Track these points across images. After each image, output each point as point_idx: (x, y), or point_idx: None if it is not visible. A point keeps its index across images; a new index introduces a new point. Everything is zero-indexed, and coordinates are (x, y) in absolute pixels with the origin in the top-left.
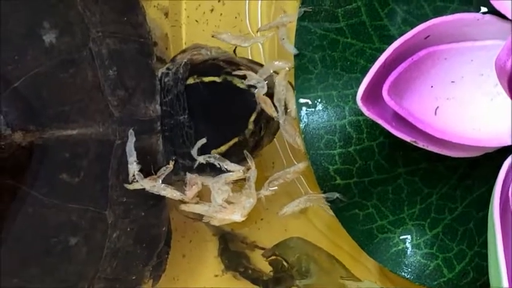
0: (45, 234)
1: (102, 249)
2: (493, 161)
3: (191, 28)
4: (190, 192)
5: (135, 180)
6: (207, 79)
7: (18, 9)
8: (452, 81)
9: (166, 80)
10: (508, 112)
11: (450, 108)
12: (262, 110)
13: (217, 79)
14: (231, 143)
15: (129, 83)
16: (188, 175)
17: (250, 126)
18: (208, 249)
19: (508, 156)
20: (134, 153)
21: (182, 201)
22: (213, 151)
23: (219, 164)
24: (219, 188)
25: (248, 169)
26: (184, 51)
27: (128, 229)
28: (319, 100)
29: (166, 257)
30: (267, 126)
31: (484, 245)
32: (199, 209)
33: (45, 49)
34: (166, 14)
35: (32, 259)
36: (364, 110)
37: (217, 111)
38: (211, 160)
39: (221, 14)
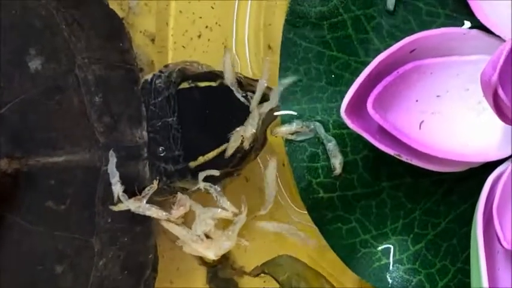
0: (31, 262)
1: (88, 277)
2: (477, 176)
3: (178, 54)
4: (177, 212)
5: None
6: (202, 84)
7: (3, 36)
8: (437, 96)
9: (157, 82)
10: (493, 127)
11: (435, 123)
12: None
13: (213, 83)
14: (220, 149)
15: (115, 109)
16: (179, 195)
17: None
18: (196, 276)
19: (493, 171)
20: (117, 174)
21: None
22: (200, 157)
23: (216, 196)
24: (204, 219)
25: (236, 214)
26: (176, 64)
27: (115, 256)
28: (303, 112)
29: (153, 283)
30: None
31: (467, 261)
32: (178, 231)
33: (31, 76)
34: (152, 40)
35: (18, 287)
36: (348, 122)
37: (208, 115)
38: (211, 191)
39: (208, 40)
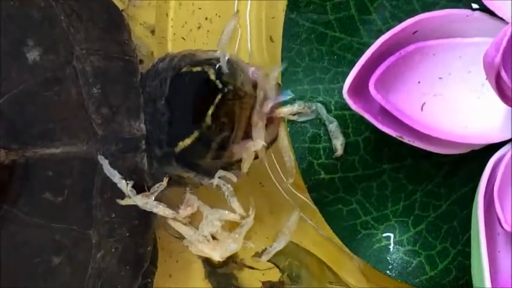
0: (28, 254)
1: (86, 269)
2: (478, 159)
3: (177, 46)
4: (184, 212)
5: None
6: (195, 69)
7: (2, 27)
8: (439, 78)
9: (160, 64)
10: (495, 110)
11: (437, 105)
12: (222, 105)
13: (198, 69)
14: (193, 136)
15: (114, 101)
16: (187, 195)
17: (208, 119)
18: (195, 269)
19: (494, 154)
20: (115, 173)
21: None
22: (180, 143)
23: (227, 195)
24: (211, 220)
25: (244, 217)
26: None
27: (113, 249)
28: (305, 93)
29: (152, 277)
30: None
31: (468, 243)
32: (184, 230)
33: (29, 67)
34: (152, 32)
35: (15, 279)
36: (350, 103)
37: (186, 101)
38: (224, 189)
39: (208, 31)
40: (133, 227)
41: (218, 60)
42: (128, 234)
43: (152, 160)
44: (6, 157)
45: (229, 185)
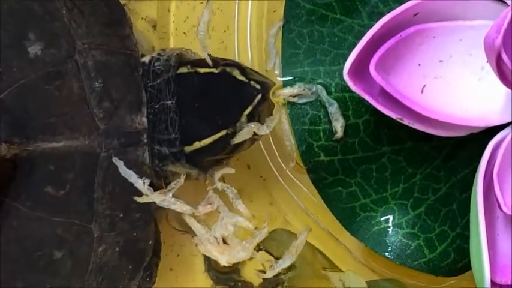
0: (30, 248)
1: (87, 263)
2: (478, 142)
3: (179, 41)
4: (203, 209)
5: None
6: (202, 70)
7: (3, 21)
8: (440, 60)
9: (156, 64)
10: (495, 93)
11: (437, 87)
12: (259, 105)
13: (214, 70)
14: (218, 136)
15: (115, 95)
16: (210, 192)
17: (243, 119)
18: (196, 263)
19: (494, 137)
20: (132, 173)
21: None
22: (196, 143)
23: (232, 198)
24: (226, 223)
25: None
26: (172, 49)
27: (114, 243)
28: (305, 75)
29: (156, 269)
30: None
31: (467, 226)
32: (197, 228)
33: (30, 61)
34: (154, 27)
35: (17, 273)
36: (350, 84)
37: (208, 100)
38: (228, 192)
39: (209, 26)
40: (135, 221)
41: (233, 61)
42: (129, 228)
43: (154, 156)
44: (8, 151)
45: (233, 188)
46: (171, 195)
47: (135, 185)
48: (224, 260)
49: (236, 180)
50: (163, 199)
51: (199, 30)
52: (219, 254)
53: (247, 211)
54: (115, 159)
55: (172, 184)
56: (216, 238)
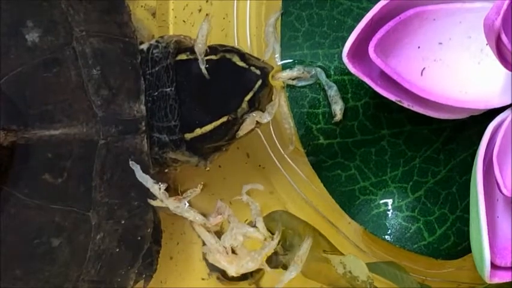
0: (28, 236)
1: (85, 251)
2: (477, 124)
3: (178, 28)
4: (214, 220)
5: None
6: (216, 56)
7: (0, 8)
8: (439, 43)
9: (155, 51)
10: (494, 75)
11: (437, 70)
12: (259, 91)
13: (213, 57)
14: (219, 122)
15: (113, 82)
16: (219, 202)
17: (244, 105)
18: (195, 251)
19: (493, 119)
20: (148, 177)
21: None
22: (197, 130)
23: (253, 214)
24: (236, 234)
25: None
26: (170, 36)
27: (112, 231)
28: (304, 58)
29: (157, 257)
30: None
31: (466, 209)
32: (207, 237)
33: (28, 48)
34: (153, 15)
35: (15, 260)
36: (349, 66)
37: (209, 87)
38: (252, 207)
39: (208, 14)
40: (133, 209)
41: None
42: (127, 216)
43: (154, 143)
44: (5, 138)
45: (257, 204)
46: (185, 202)
47: (151, 190)
48: (233, 270)
49: (235, 170)
50: (177, 205)
51: (197, 43)
52: (227, 263)
53: (266, 230)
54: (131, 163)
55: (188, 192)
56: (225, 248)
